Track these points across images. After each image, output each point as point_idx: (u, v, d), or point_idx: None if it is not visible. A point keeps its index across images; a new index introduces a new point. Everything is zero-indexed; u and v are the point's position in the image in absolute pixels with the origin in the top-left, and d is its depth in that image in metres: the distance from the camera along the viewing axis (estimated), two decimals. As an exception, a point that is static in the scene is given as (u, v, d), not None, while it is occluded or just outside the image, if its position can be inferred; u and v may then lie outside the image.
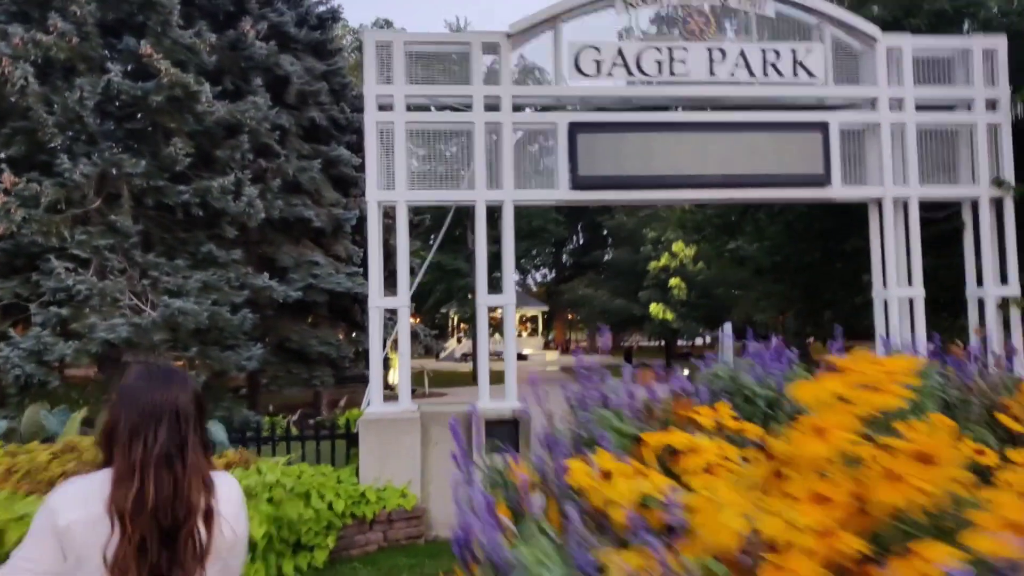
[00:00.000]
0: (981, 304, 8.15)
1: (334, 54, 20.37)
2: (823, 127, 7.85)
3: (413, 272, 8.09)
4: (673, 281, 29.80)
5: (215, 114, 14.04)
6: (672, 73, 7.76)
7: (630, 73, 7.76)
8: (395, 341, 8.54)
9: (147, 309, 13.00)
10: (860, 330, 10.57)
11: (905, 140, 7.96)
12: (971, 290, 8.20)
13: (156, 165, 13.60)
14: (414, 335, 22.58)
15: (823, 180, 7.85)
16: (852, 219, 9.58)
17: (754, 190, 7.85)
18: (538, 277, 77.88)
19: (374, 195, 7.55)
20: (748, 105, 7.98)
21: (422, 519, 7.20)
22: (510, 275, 7.67)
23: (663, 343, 49.96)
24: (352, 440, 7.66)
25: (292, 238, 18.24)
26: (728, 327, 28.79)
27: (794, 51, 7.86)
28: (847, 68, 8.06)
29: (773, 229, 9.69)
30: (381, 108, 7.63)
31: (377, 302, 7.52)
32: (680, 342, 39.50)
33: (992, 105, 8.06)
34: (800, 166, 7.82)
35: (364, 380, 24.26)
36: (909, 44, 8.02)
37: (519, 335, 59.07)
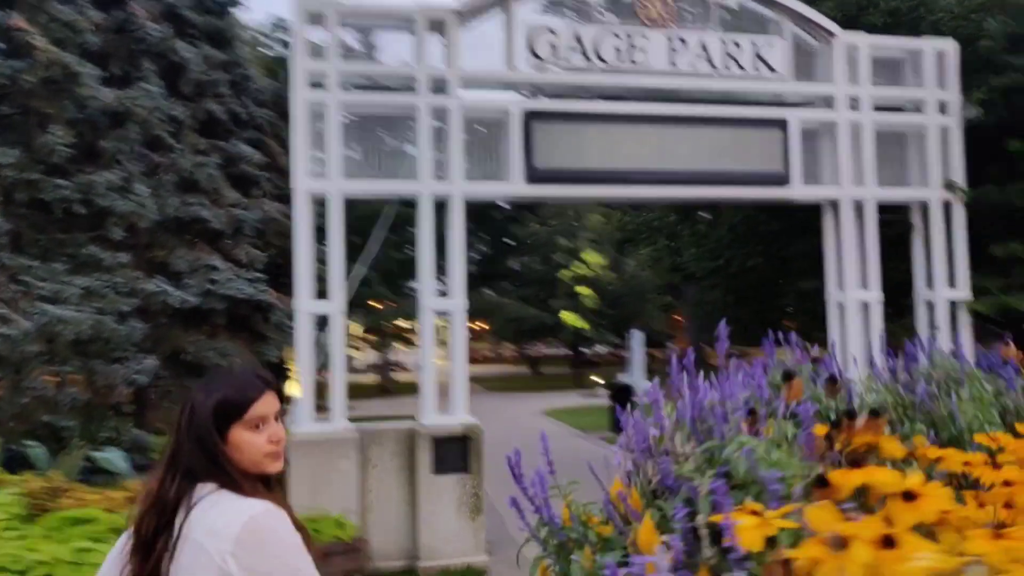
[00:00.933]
0: (929, 307, 8.06)
1: (234, 43, 18.98)
2: (782, 124, 7.55)
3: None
4: (584, 290, 29.68)
5: (100, 101, 12.55)
6: (632, 61, 7.26)
7: (588, 59, 7.19)
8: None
9: (18, 318, 11.38)
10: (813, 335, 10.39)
11: (862, 140, 7.77)
12: (920, 293, 8.10)
13: (29, 156, 11.99)
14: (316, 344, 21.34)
15: (783, 179, 7.54)
16: (795, 223, 9.40)
17: (717, 188, 7.44)
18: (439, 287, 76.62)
19: (303, 184, 6.63)
20: (708, 99, 7.57)
21: (362, 551, 6.31)
22: (460, 277, 6.92)
23: (570, 351, 50.11)
24: (279, 465, 6.67)
25: (187, 240, 16.69)
26: (637, 334, 28.95)
27: (755, 44, 7.52)
28: (805, 65, 7.80)
29: (717, 233, 9.39)
30: (312, 86, 6.73)
31: (306, 306, 6.60)
32: (583, 350, 39.58)
33: (943, 108, 8.00)
34: (761, 164, 7.48)
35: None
36: (866, 43, 7.85)
37: (413, 345, 57.90)
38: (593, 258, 30.45)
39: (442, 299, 6.99)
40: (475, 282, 52.83)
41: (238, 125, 18.57)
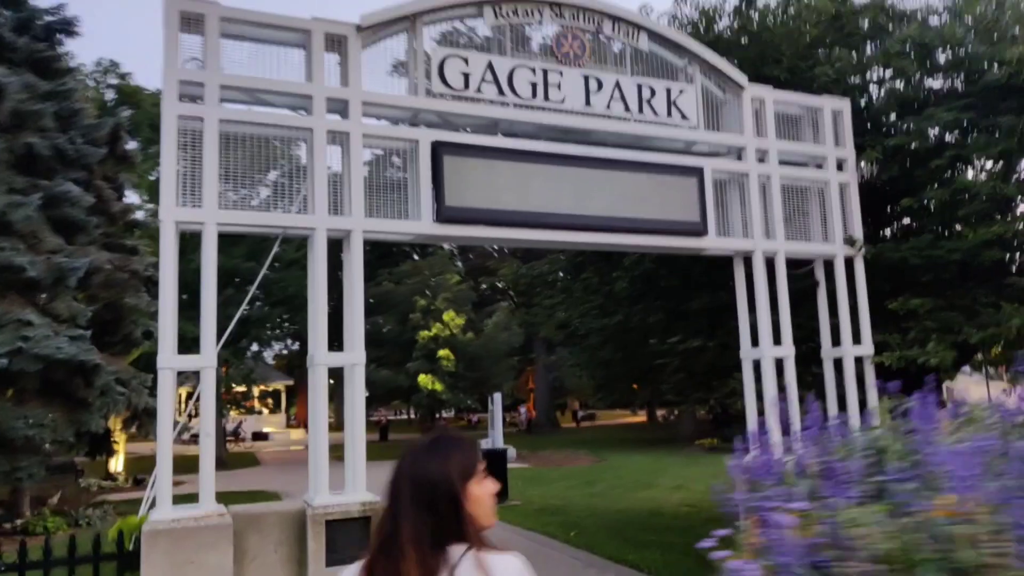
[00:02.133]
0: (835, 362, 8.00)
1: (64, 73, 16.96)
2: (699, 172, 7.29)
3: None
4: (442, 352, 28.79)
5: None
6: (547, 98, 6.74)
7: (501, 92, 6.60)
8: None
9: None
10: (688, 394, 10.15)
11: (771, 193, 7.68)
12: (826, 350, 8.02)
13: None
14: (151, 412, 18.88)
15: (699, 229, 7.24)
16: (692, 278, 9.19)
17: (635, 236, 6.99)
18: (276, 349, 72.78)
19: (170, 214, 5.45)
20: (623, 143, 7.19)
21: (232, 675, 5.01)
22: (359, 326, 5.93)
23: (422, 416, 48.53)
24: (128, 562, 5.22)
25: (-4, 291, 14.30)
26: (498, 397, 28.29)
27: (668, 90, 7.27)
28: (715, 115, 7.65)
29: (616, 286, 8.99)
30: (186, 99, 5.63)
31: (171, 362, 5.34)
32: (437, 414, 38.41)
33: (840, 165, 8.12)
34: (679, 213, 7.15)
35: (74, 469, 19.75)
36: (771, 97, 7.85)
37: (259, 412, 54.06)
38: (452, 318, 29.74)
39: (338, 354, 5.96)
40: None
41: (64, 163, 16.43)
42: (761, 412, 7.60)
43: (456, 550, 1.68)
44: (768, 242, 7.57)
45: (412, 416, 66.68)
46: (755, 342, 7.64)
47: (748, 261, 7.73)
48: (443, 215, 6.18)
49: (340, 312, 5.97)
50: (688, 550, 10.70)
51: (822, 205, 8.02)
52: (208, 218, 5.51)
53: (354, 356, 5.89)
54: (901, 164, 8.03)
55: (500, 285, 50.55)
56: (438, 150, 6.24)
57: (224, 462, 30.62)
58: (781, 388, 7.59)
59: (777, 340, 7.55)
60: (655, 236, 7.07)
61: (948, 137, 8.22)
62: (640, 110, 7.12)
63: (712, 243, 7.32)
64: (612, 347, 10.81)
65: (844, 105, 8.22)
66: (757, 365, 7.66)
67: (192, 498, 5.88)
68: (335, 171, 6.02)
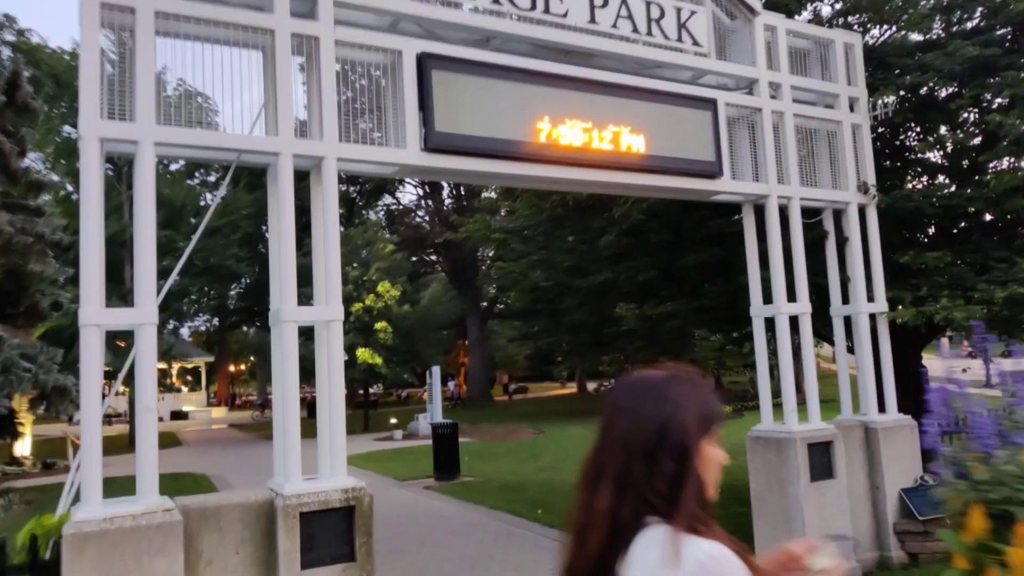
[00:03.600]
0: (845, 321, 7.38)
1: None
2: (712, 105, 6.44)
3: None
4: (379, 325, 27.46)
5: None
6: (547, 10, 5.74)
7: (498, 1, 5.57)
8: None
9: None
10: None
11: (784, 133, 6.92)
12: (836, 307, 7.39)
13: None
14: (62, 390, 17.09)
15: (714, 170, 6.41)
16: (683, 233, 8.42)
17: (647, 176, 6.09)
18: (196, 324, 69.57)
19: (93, 129, 4.22)
20: (629, 70, 6.26)
21: None
22: (334, 276, 4.86)
23: (352, 391, 46.93)
24: (44, 574, 4.03)
25: None
26: (436, 371, 27.26)
27: (678, 10, 6.37)
28: (724, 44, 6.82)
29: (607, 239, 8.13)
30: (111, -16, 4.38)
31: (97, 317, 4.15)
32: (373, 390, 37.11)
33: (852, 105, 7.43)
34: (693, 151, 6.29)
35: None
36: (783, 25, 7.06)
37: (178, 390, 51.38)
38: (387, 289, 28.42)
39: (311, 308, 4.88)
40: (238, 319, 47.64)
41: (-49, 110, 14.49)
42: (774, 376, 6.91)
43: (651, 518, 1.36)
44: (782, 187, 6.82)
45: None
46: (767, 299, 6.92)
47: (758, 209, 6.98)
48: (432, 142, 5.13)
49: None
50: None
51: (833, 149, 7.33)
52: (143, 135, 4.31)
53: (331, 311, 4.82)
54: (915, 107, 7.40)
55: (433, 258, 49.24)
56: (425, 64, 5.17)
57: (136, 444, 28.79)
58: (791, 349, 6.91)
59: (791, 297, 6.84)
60: (668, 177, 6.20)
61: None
62: (648, 31, 6.20)
63: (727, 186, 6.51)
64: (588, 310, 9.97)
65: (856, 40, 7.53)
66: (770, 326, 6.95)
67: (120, 487, 4.74)
68: (307, 85, 4.89)
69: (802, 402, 6.63)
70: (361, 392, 33.07)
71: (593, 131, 5.73)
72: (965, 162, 7.66)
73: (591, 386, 56.18)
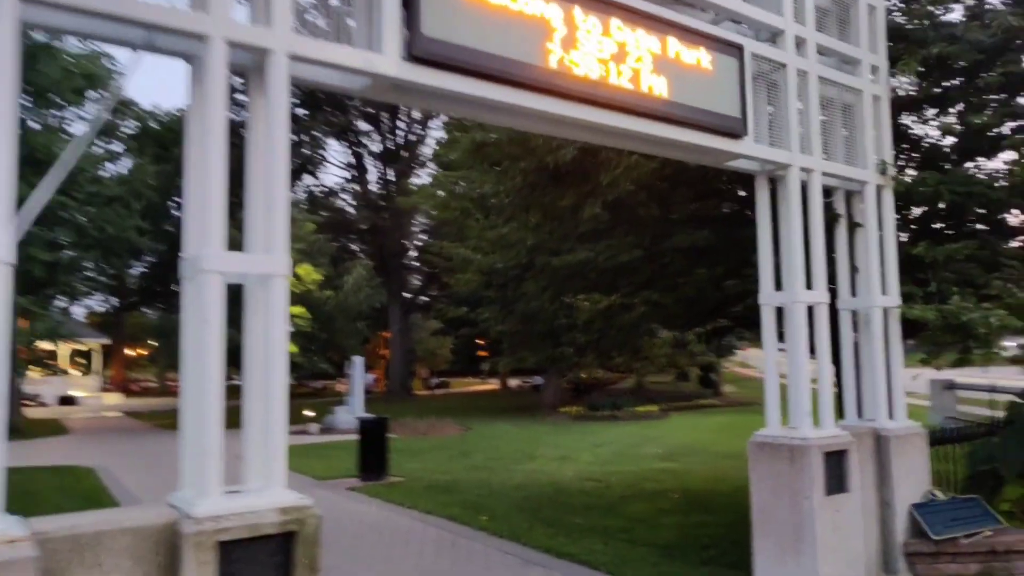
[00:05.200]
0: (852, 314, 6.54)
1: None
2: (739, 52, 5.45)
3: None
4: (295, 309, 25.66)
5: None
6: (560, -89, 4.60)
7: None
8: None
9: None
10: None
11: (808, 96, 5.99)
12: (845, 299, 6.54)
13: None
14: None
15: (738, 128, 5.41)
16: (671, 208, 7.43)
17: (666, 126, 5.02)
18: (90, 303, 65.16)
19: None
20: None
21: None
22: (280, 213, 3.57)
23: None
24: None
25: None
26: (359, 361, 25.69)
27: (703, -63, 5.35)
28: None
29: (590, 210, 7.01)
30: None
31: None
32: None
33: (873, 73, 6.59)
34: (719, 103, 5.28)
35: None
36: (809, -30, 6.14)
37: (65, 373, 47.65)
38: (308, 272, 26.65)
39: (246, 256, 3.59)
40: (138, 299, 44.45)
41: None
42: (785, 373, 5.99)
43: None
44: (804, 158, 5.90)
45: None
46: (778, 285, 5.99)
47: (773, 183, 6.04)
48: (418, 50, 3.91)
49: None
50: (631, 535, 9.12)
51: (851, 122, 6.48)
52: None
53: (273, 262, 3.53)
54: (937, 81, 6.64)
55: (355, 248, 47.28)
56: (411, -53, 3.94)
57: (20, 430, 26.17)
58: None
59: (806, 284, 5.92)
60: (690, 131, 5.15)
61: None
62: (671, -44, 5.16)
63: (749, 149, 5.53)
64: (551, 294, 8.88)
65: (879, 2, 6.70)
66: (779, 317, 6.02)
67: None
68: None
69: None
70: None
71: (611, 63, 4.63)
72: (980, 148, 6.96)
73: (513, 383, 55.37)
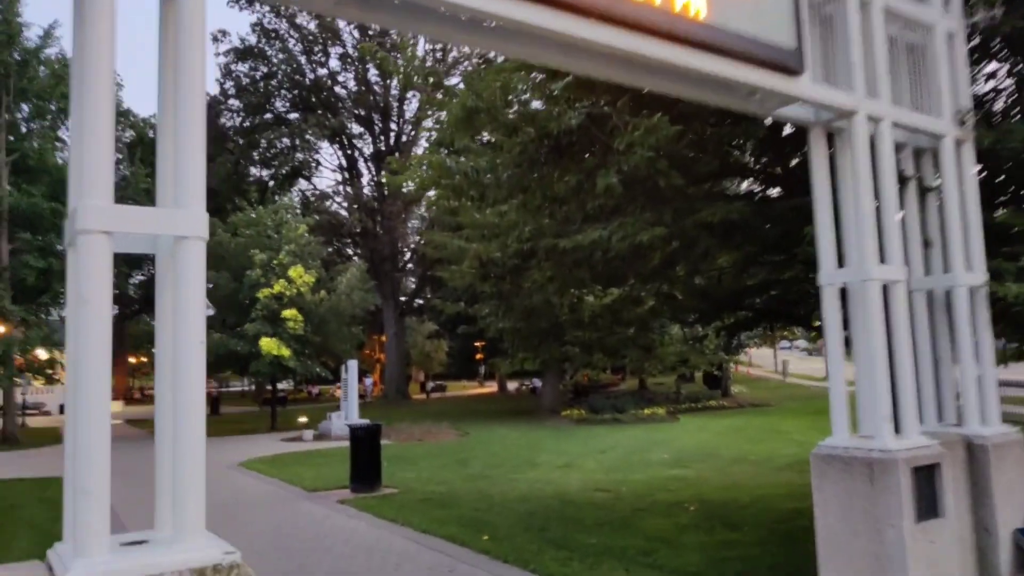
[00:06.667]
0: (928, 296, 5.49)
1: None
2: (794, -31, 4.41)
3: None
4: (287, 312, 24.58)
5: None
6: None
7: None
8: None
9: None
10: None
11: (872, 30, 4.94)
12: (920, 279, 5.47)
13: None
14: None
15: (794, 63, 4.37)
16: (697, 179, 6.36)
17: (705, 56, 3.98)
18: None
19: None
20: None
21: None
22: (199, 161, 2.50)
23: (259, 385, 43.54)
24: None
25: None
26: (353, 365, 24.60)
27: None
28: None
29: (606, 179, 5.89)
30: None
31: None
32: (281, 385, 34.04)
33: (947, 4, 5.55)
34: (769, 28, 4.23)
35: None
36: None
37: (57, 382, 46.65)
38: (300, 274, 25.56)
39: (145, 212, 2.52)
40: (138, 307, 43.90)
41: None
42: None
43: None
44: (872, 103, 4.85)
45: (248, 387, 60.92)
46: (840, 261, 4.94)
47: (830, 135, 4.99)
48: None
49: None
50: (653, 560, 8.03)
51: (921, 63, 5.43)
52: None
53: (184, 219, 2.46)
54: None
55: (349, 252, 46.23)
56: None
57: (16, 439, 25.41)
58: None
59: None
60: (733, 62, 4.09)
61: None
62: None
63: (807, 90, 4.48)
64: (557, 285, 7.80)
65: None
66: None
67: None
68: None
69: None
70: (269, 388, 30.01)
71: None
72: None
73: (511, 385, 54.25)
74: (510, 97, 6.17)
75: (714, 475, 14.08)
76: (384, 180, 36.70)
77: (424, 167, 7.45)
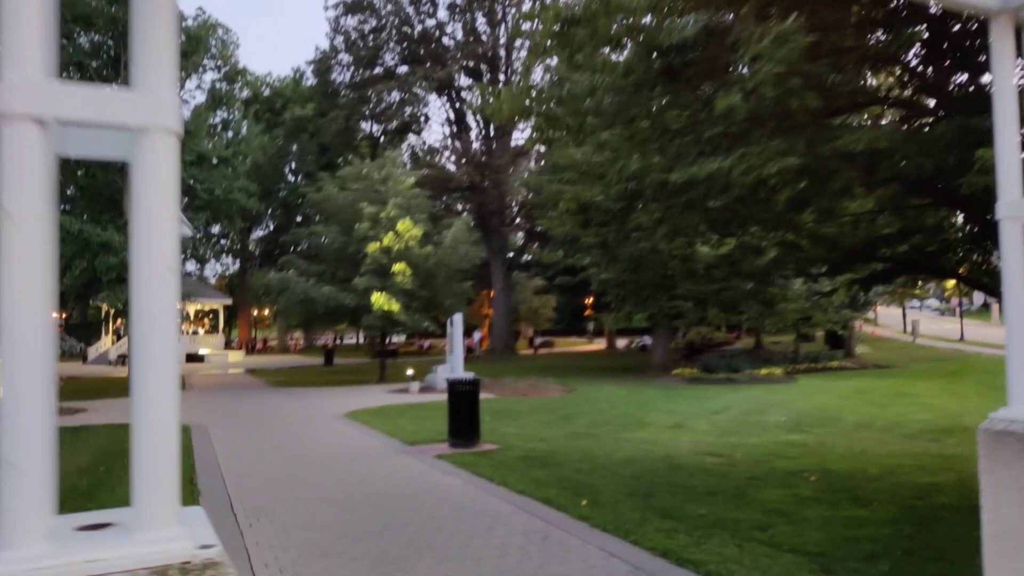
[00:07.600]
0: None
1: None
2: None
3: None
4: (397, 267, 24.65)
5: None
6: None
7: None
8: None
9: None
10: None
11: None
12: None
13: None
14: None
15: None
16: (835, 102, 5.34)
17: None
18: (218, 267, 68.33)
19: None
20: None
21: None
22: (165, 54, 1.91)
23: (371, 339, 44.78)
24: None
25: None
26: (458, 319, 24.49)
27: None
28: None
29: (727, 100, 4.98)
30: None
31: None
32: (392, 338, 34.67)
33: None
34: None
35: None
36: None
37: (194, 332, 49.70)
38: (408, 228, 25.55)
39: (93, 94, 1.95)
40: (259, 262, 46.26)
41: None
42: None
43: None
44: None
45: (360, 340, 63.00)
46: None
47: (1018, 30, 3.89)
48: None
49: None
50: (770, 536, 7.18)
51: None
52: None
53: (147, 105, 1.87)
54: None
55: (457, 208, 46.26)
56: None
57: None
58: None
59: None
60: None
61: None
62: None
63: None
64: (667, 229, 6.94)
65: None
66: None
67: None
68: None
69: None
70: (379, 340, 30.54)
71: None
72: None
73: (621, 343, 53.33)
74: (612, 3, 5.31)
75: (837, 441, 12.94)
76: (471, 108, 36.22)
77: (515, 92, 6.71)
